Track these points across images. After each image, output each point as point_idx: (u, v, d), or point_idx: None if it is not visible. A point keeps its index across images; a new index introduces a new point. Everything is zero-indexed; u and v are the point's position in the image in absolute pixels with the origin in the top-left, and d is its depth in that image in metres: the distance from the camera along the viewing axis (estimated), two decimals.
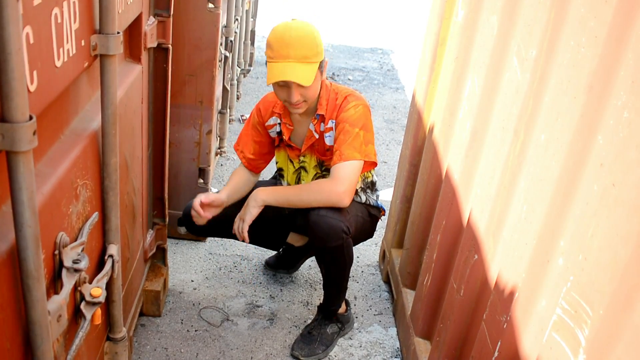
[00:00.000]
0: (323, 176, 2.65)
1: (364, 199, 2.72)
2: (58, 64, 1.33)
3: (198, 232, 2.87)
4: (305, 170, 2.68)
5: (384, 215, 2.87)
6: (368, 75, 7.31)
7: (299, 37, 2.32)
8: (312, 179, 2.67)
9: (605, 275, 1.19)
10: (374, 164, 2.56)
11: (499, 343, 1.66)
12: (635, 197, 1.13)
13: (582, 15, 1.43)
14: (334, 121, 2.51)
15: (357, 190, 2.71)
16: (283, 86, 2.39)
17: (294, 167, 2.71)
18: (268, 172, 4.04)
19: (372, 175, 2.77)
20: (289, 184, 2.78)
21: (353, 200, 2.68)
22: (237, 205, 2.70)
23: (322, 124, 2.55)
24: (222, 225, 2.74)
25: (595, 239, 1.25)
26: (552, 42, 1.58)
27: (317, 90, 2.46)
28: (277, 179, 2.93)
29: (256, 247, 3.20)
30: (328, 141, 2.55)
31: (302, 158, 2.67)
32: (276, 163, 2.83)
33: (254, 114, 2.73)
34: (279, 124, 2.67)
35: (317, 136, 2.57)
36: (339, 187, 2.42)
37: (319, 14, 10.50)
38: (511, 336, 1.60)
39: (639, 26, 1.19)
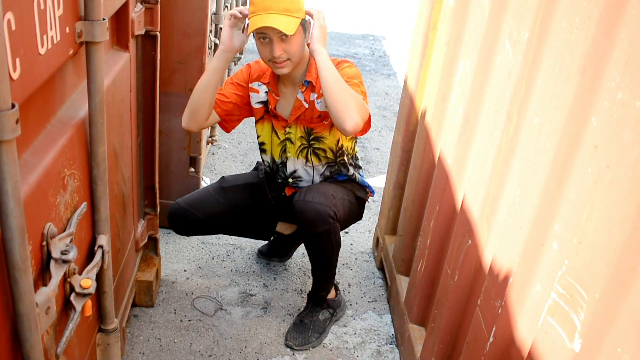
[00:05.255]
0: (310, 147, 2.62)
1: (351, 171, 2.71)
2: (42, 51, 1.30)
3: (186, 233, 2.84)
4: (291, 142, 2.64)
5: (371, 196, 2.86)
6: (360, 62, 7.27)
7: None
8: (297, 151, 2.64)
9: (600, 259, 1.18)
10: (369, 123, 2.52)
11: (494, 328, 1.65)
12: (630, 179, 1.12)
13: None
14: None
15: (347, 162, 2.70)
16: (265, 42, 2.34)
17: (279, 139, 2.66)
18: (253, 157, 4.04)
19: (355, 152, 2.78)
20: (273, 158, 2.73)
21: (339, 184, 2.68)
22: (226, 205, 2.74)
23: (312, 93, 2.51)
24: (212, 221, 2.73)
25: (590, 222, 1.24)
26: (544, 23, 1.56)
27: (301, 49, 2.40)
28: (258, 170, 2.90)
29: (247, 238, 3.18)
30: (319, 107, 2.51)
31: (287, 129, 2.62)
32: (258, 137, 2.75)
33: (242, 70, 2.65)
34: (266, 92, 2.61)
35: (306, 106, 2.54)
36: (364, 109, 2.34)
37: (309, 0, 10.44)
38: (506, 321, 1.59)
39: (632, 6, 1.17)
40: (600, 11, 1.29)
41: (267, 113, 2.65)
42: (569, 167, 1.35)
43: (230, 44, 2.39)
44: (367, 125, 2.51)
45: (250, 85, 2.63)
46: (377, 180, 4.25)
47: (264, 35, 2.31)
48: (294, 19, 2.29)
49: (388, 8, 10.73)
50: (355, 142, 2.75)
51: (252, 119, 2.73)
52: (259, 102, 2.64)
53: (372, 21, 9.60)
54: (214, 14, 3.72)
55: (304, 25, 2.39)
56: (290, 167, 2.69)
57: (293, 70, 2.46)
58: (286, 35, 2.30)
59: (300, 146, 2.63)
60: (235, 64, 5.89)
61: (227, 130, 2.72)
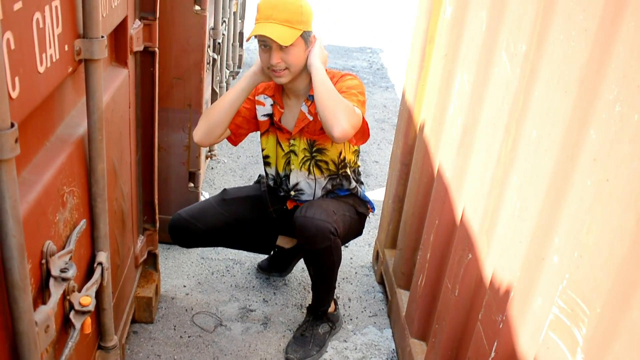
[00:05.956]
0: (313, 159, 2.63)
1: (352, 185, 2.71)
2: (41, 69, 1.30)
3: (187, 245, 2.83)
4: (295, 154, 2.65)
5: (372, 212, 2.86)
6: (358, 75, 7.26)
7: (284, 2, 2.35)
8: (300, 163, 2.65)
9: (601, 273, 1.18)
10: (367, 128, 2.54)
11: (495, 343, 1.64)
12: (630, 192, 1.12)
13: (571, 9, 1.41)
14: None
15: (349, 175, 2.70)
16: (266, 50, 2.40)
17: (284, 151, 2.68)
18: (252, 171, 4.03)
19: (358, 166, 2.79)
20: (277, 171, 2.74)
21: (341, 199, 2.68)
22: (227, 217, 2.73)
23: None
24: (213, 233, 2.73)
25: (590, 236, 1.23)
26: (541, 36, 1.57)
27: (300, 60, 2.43)
28: (260, 183, 2.90)
29: (247, 251, 3.18)
30: None
31: (292, 141, 2.64)
32: (262, 150, 2.77)
33: None
34: (271, 105, 2.64)
35: (310, 118, 2.55)
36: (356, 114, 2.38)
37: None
38: (507, 336, 1.58)
39: (629, 18, 1.17)
40: (597, 24, 1.29)
41: (272, 126, 2.67)
42: (568, 180, 1.35)
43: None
44: (364, 134, 2.53)
45: (256, 98, 2.66)
46: (376, 193, 4.25)
47: (264, 43, 2.38)
48: (293, 30, 2.34)
49: (385, 21, 10.77)
50: (358, 155, 2.76)
51: (257, 132, 2.75)
52: (264, 115, 2.66)
53: (369, 34, 9.63)
54: (212, 29, 3.74)
55: (306, 39, 2.42)
56: (293, 180, 2.69)
57: (296, 82, 2.50)
58: (285, 45, 2.33)
59: (303, 158, 2.64)
60: (233, 78, 5.92)
61: (235, 144, 2.74)
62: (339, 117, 2.29)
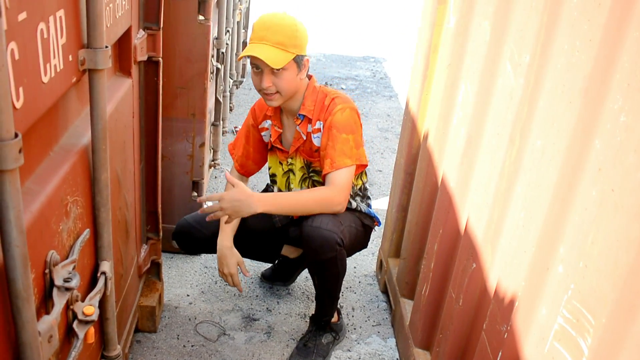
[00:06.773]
0: (310, 178, 2.64)
1: (354, 205, 2.70)
2: (45, 79, 1.30)
3: (192, 251, 2.85)
4: (293, 173, 2.68)
5: (377, 225, 2.85)
6: (361, 84, 7.30)
7: (279, 24, 2.36)
8: (299, 181, 2.67)
9: (606, 283, 1.17)
10: (365, 165, 2.58)
11: (500, 353, 1.64)
12: (635, 202, 1.12)
13: (575, 19, 1.41)
14: (322, 123, 2.51)
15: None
16: (258, 72, 2.41)
17: (283, 170, 2.71)
18: (255, 180, 4.03)
19: (362, 182, 2.76)
20: (280, 190, 2.76)
21: (347, 211, 2.67)
22: (232, 224, 2.72)
23: (308, 125, 2.54)
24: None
25: (595, 246, 1.23)
26: (545, 46, 1.57)
27: (292, 84, 2.44)
28: (267, 191, 2.90)
29: (252, 260, 3.18)
30: (316, 142, 2.55)
31: (289, 160, 2.67)
32: (269, 169, 2.82)
33: (249, 116, 2.76)
34: (270, 125, 2.69)
35: (304, 137, 2.57)
36: (338, 197, 2.43)
37: (311, 24, 10.49)
38: (512, 346, 1.58)
39: (634, 28, 1.17)
40: (601, 34, 1.29)
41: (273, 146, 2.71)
42: (573, 190, 1.35)
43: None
44: (361, 167, 2.57)
45: (260, 126, 2.73)
46: (380, 202, 4.25)
47: (256, 65, 2.38)
48: (286, 53, 2.34)
49: (389, 30, 10.79)
50: (360, 176, 2.74)
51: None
52: (269, 136, 2.72)
53: (373, 43, 9.65)
54: (216, 39, 3.74)
55: (299, 62, 2.42)
56: None
57: (290, 102, 2.54)
58: (277, 69, 2.34)
59: (302, 176, 2.67)
60: (237, 88, 5.93)
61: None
62: (331, 212, 2.44)
